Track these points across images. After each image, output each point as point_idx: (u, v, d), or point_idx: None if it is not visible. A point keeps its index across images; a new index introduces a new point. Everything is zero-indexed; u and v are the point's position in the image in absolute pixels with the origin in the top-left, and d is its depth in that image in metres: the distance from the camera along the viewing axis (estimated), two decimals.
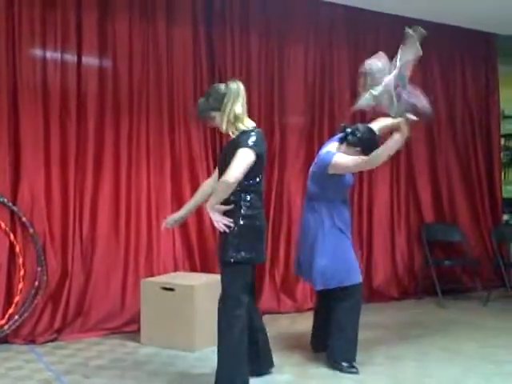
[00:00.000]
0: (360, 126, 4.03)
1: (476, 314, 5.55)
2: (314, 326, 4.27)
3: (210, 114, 3.52)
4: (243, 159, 3.31)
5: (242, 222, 3.36)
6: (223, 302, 3.42)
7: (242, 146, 3.33)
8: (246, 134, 3.40)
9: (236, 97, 3.42)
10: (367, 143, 3.91)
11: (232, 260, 3.34)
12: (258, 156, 3.38)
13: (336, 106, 6.02)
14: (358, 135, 3.92)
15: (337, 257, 3.88)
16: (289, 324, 5.14)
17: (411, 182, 6.47)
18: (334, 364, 3.87)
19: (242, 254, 3.34)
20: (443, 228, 6.49)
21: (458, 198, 6.68)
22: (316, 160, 4.07)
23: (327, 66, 6.00)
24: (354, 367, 3.84)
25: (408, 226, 6.40)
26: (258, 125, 5.49)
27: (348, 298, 3.86)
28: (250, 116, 5.37)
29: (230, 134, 3.46)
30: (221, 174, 3.44)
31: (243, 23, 5.53)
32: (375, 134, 4.01)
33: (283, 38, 5.73)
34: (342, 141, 4.01)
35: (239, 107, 3.43)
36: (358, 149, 3.92)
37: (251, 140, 3.36)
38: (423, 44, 6.09)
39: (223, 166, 3.41)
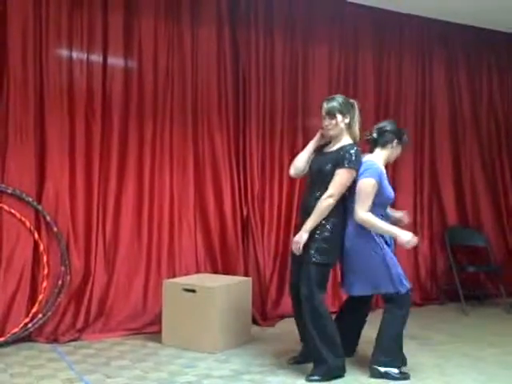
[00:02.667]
0: (378, 125, 4.06)
1: (499, 321, 5.50)
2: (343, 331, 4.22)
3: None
4: None
5: None
6: None
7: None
8: None
9: None
10: (397, 133, 3.98)
11: None
12: None
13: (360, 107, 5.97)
14: (385, 130, 3.96)
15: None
16: None
17: (435, 186, 6.42)
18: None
19: None
20: (467, 232, 6.42)
21: (482, 203, 6.61)
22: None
23: (351, 68, 5.97)
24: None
25: (431, 230, 6.35)
26: (282, 126, 5.56)
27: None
28: (274, 117, 5.49)
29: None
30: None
31: (268, 24, 5.52)
32: (394, 123, 4.08)
33: (307, 39, 5.71)
34: (375, 146, 4.01)
35: None
36: (395, 141, 3.97)
37: None
38: (450, 45, 6.03)
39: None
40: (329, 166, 3.73)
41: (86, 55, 4.80)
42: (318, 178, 3.80)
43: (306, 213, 3.78)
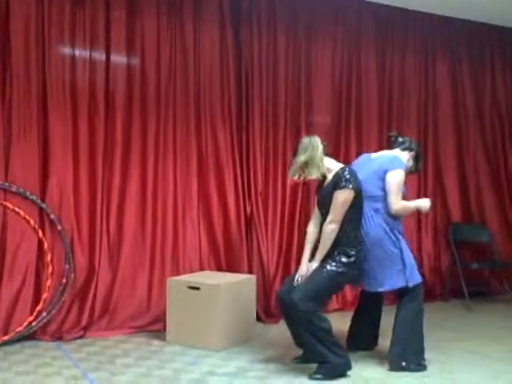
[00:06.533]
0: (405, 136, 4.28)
1: (504, 317, 5.48)
2: (356, 326, 4.32)
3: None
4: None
5: None
6: None
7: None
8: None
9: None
10: (417, 151, 4.19)
11: None
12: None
13: (363, 105, 5.97)
14: (409, 140, 4.17)
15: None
16: None
17: (439, 182, 6.40)
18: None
19: None
20: (471, 228, 6.41)
21: (486, 198, 6.59)
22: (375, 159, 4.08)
23: (354, 65, 5.94)
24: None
25: (435, 226, 6.34)
26: (285, 125, 5.54)
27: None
28: (278, 114, 5.48)
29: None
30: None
31: (270, 22, 5.50)
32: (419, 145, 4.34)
33: (310, 37, 5.69)
34: (394, 147, 4.16)
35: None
36: (412, 153, 4.12)
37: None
38: (453, 41, 6.01)
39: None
40: (329, 196, 3.79)
41: (88, 52, 4.79)
42: (324, 211, 3.86)
43: None
